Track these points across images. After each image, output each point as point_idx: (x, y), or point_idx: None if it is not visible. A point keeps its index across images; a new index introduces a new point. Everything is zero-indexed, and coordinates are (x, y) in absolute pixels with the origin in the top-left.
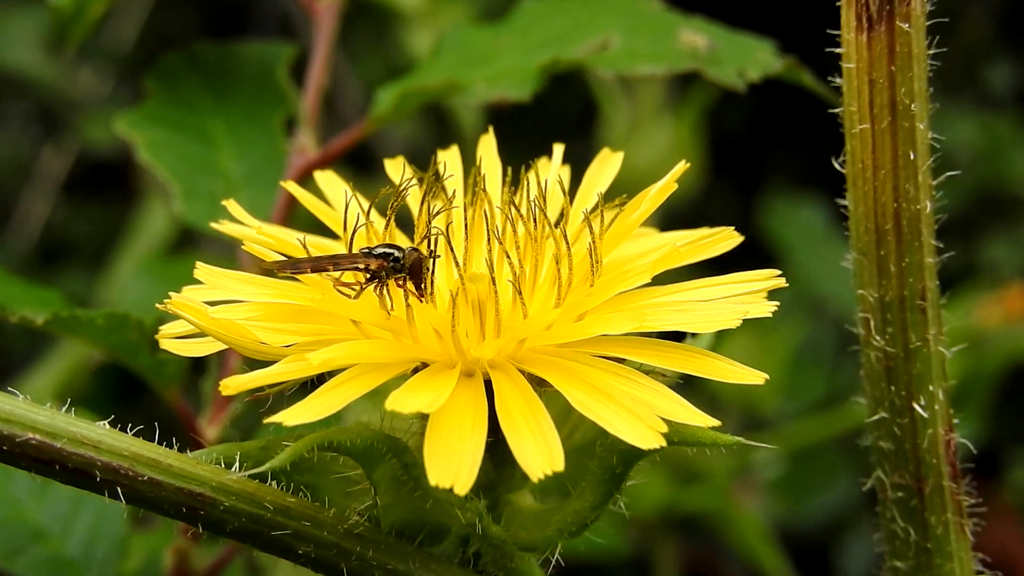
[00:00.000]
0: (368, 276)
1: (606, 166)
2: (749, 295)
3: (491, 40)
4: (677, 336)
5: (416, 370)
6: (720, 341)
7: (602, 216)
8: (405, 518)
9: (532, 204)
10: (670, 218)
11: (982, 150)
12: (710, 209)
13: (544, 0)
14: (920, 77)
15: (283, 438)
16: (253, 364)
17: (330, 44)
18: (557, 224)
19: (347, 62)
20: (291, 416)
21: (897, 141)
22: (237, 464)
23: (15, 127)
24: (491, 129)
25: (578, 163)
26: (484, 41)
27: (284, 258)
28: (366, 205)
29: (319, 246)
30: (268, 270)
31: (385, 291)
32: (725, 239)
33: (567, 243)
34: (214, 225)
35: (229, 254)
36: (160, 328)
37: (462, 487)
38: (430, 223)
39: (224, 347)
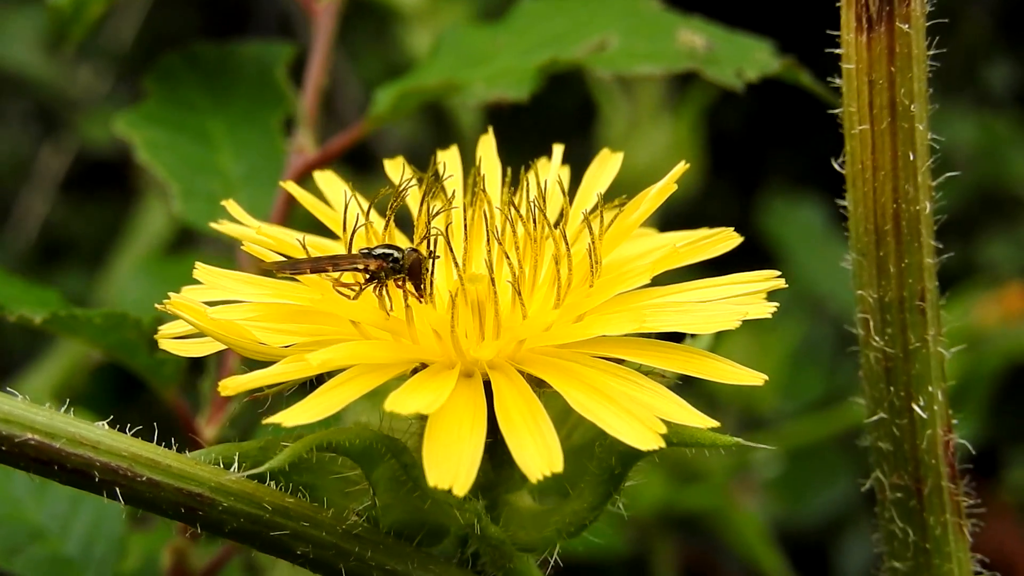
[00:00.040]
0: (367, 277)
1: (606, 166)
2: (749, 296)
3: (490, 40)
4: (676, 337)
5: (415, 371)
6: (719, 341)
7: (601, 217)
8: (404, 518)
9: (532, 205)
10: (669, 217)
11: (981, 149)
12: (709, 208)
13: (543, 0)
14: (920, 78)
15: (282, 438)
16: (252, 364)
17: (329, 44)
18: (557, 225)
19: (346, 62)
20: (290, 417)
21: (897, 142)
22: (236, 464)
23: (14, 126)
24: (490, 129)
25: (577, 163)
26: (483, 41)
27: (283, 258)
28: (365, 205)
29: (318, 246)
30: (267, 270)
31: (384, 292)
32: (724, 240)
33: (566, 244)
34: (213, 225)
35: (228, 254)
36: (159, 328)
37: (461, 488)
38: (429, 223)
39: (223, 347)
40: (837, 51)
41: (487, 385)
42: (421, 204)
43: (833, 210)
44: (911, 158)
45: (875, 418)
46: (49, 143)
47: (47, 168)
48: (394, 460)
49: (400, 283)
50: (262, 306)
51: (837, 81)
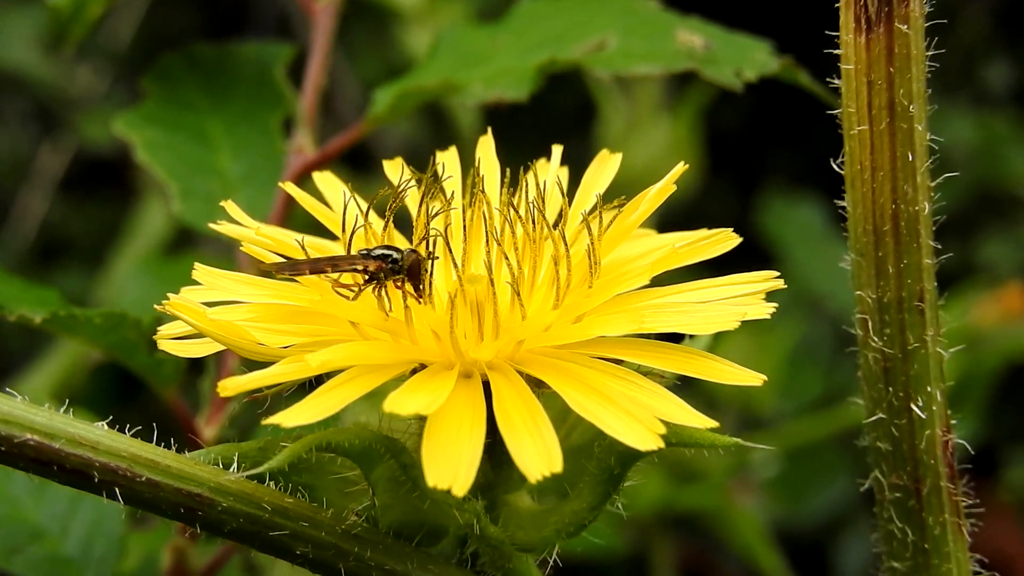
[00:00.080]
0: (366, 277)
1: (604, 167)
2: (747, 296)
3: (488, 40)
4: (675, 337)
5: (414, 371)
6: (718, 341)
7: (600, 217)
8: (403, 519)
9: (531, 205)
10: (668, 217)
11: (980, 149)
12: (708, 208)
13: (541, 0)
14: (918, 78)
15: (281, 439)
16: (251, 365)
17: (328, 44)
18: (556, 225)
19: (345, 62)
20: (289, 417)
21: (895, 142)
22: (235, 465)
23: (13, 125)
24: (489, 130)
25: (576, 163)
26: (481, 41)
27: (282, 259)
28: (364, 206)
29: (317, 247)
30: (266, 271)
31: (383, 292)
32: (723, 240)
33: (565, 244)
34: (212, 226)
35: (227, 254)
36: (158, 328)
37: (460, 488)
38: (428, 224)
39: (222, 348)
40: (836, 52)
41: (486, 386)
42: (420, 205)
43: (832, 210)
44: (910, 158)
45: (874, 418)
46: (48, 143)
47: (46, 168)
48: (393, 460)
49: (399, 284)
50: (261, 307)
51: (836, 81)
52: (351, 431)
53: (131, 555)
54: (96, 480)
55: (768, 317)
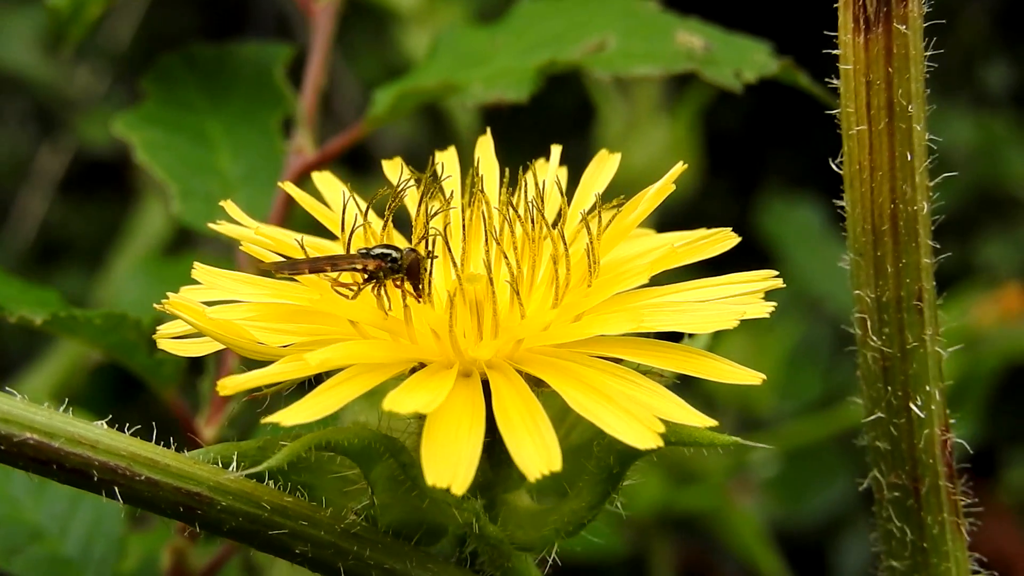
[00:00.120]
0: (366, 277)
1: (603, 167)
2: (746, 296)
3: (488, 41)
4: (674, 336)
5: (414, 370)
6: (717, 340)
7: (599, 217)
8: (402, 517)
9: (530, 205)
10: (667, 217)
11: (978, 149)
12: (707, 208)
13: (541, 1)
14: (917, 79)
15: (280, 438)
16: (251, 364)
17: (327, 44)
18: (555, 225)
19: (344, 62)
20: (289, 416)
21: (894, 142)
22: (234, 464)
23: (12, 126)
24: (488, 130)
25: (575, 163)
26: (481, 42)
27: (282, 259)
28: (364, 206)
29: (317, 247)
30: (266, 271)
31: (383, 291)
32: (722, 240)
33: (564, 244)
34: (212, 226)
35: (227, 254)
36: (158, 328)
37: (459, 487)
38: (428, 224)
39: (222, 347)
40: (835, 52)
41: (485, 385)
42: (419, 204)
43: (831, 210)
44: (909, 158)
45: (873, 418)
46: (47, 143)
47: (45, 168)
48: (392, 459)
49: (398, 283)
50: (261, 306)
51: (835, 82)
52: (350, 430)
53: (131, 555)
54: (95, 479)
55: (767, 316)
